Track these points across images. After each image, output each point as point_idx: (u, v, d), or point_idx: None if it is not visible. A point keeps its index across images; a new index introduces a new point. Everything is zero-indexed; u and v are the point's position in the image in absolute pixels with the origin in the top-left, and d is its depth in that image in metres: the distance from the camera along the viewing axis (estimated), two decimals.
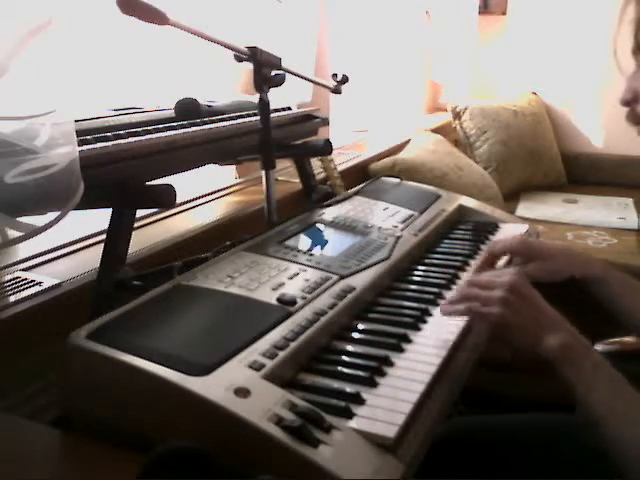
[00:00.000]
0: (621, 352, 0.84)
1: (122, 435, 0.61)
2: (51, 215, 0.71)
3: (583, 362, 0.76)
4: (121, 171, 0.83)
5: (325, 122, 1.37)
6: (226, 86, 1.46)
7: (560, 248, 1.02)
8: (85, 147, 0.78)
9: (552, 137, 2.96)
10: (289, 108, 1.29)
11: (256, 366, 0.64)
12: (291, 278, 0.85)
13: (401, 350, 0.76)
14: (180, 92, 1.08)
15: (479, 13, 3.16)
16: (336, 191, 1.38)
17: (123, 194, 0.84)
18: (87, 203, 0.74)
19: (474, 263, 1.07)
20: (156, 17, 0.81)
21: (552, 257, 0.99)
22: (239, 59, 1.00)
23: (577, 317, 0.90)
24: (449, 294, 0.94)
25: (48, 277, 0.90)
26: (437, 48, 3.05)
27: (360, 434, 0.60)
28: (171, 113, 1.04)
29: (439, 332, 0.82)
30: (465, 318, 0.84)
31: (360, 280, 0.89)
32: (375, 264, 0.94)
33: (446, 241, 1.18)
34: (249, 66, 1.01)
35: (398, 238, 1.07)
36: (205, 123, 1.02)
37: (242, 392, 0.59)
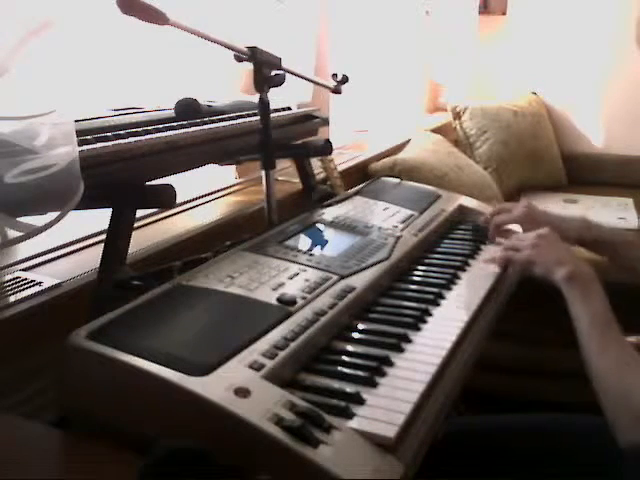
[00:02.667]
0: None
1: (122, 435, 0.61)
2: (51, 215, 0.71)
3: (584, 289, 0.89)
4: (121, 171, 0.84)
5: (325, 122, 1.37)
6: (226, 86, 1.46)
7: (555, 217, 1.17)
8: (85, 147, 0.78)
9: (552, 137, 2.96)
10: (289, 108, 1.29)
11: (256, 366, 0.64)
12: (291, 278, 0.85)
13: (401, 350, 0.76)
14: (180, 92, 1.08)
15: (479, 13, 3.16)
16: (336, 191, 1.38)
17: (123, 194, 0.85)
18: (87, 203, 0.74)
19: (474, 263, 1.07)
20: (156, 17, 0.81)
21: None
22: (239, 59, 1.00)
23: None
24: (449, 294, 0.94)
25: (48, 277, 0.90)
26: (437, 48, 3.05)
27: (360, 434, 0.60)
28: (171, 113, 1.04)
29: (439, 332, 0.82)
30: (466, 319, 0.86)
31: (360, 280, 0.88)
32: (375, 264, 0.94)
33: (446, 241, 1.18)
34: (249, 66, 1.01)
35: (398, 238, 1.07)
36: (205, 123, 1.02)
37: (242, 392, 0.59)
